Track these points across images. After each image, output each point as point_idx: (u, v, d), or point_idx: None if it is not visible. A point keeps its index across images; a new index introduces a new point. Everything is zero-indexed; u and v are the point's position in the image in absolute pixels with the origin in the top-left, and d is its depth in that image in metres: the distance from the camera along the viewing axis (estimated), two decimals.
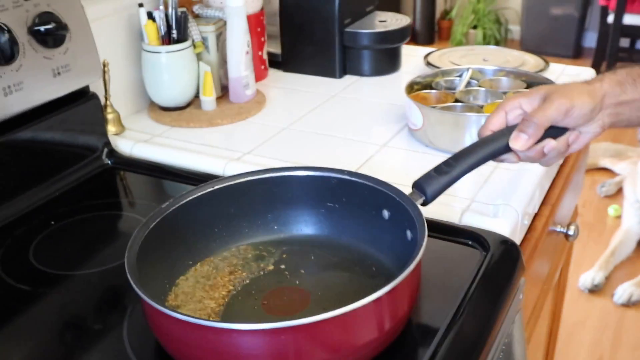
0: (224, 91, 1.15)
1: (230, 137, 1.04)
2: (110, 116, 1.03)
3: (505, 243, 0.75)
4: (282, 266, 0.72)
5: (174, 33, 1.05)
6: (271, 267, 0.71)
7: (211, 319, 0.63)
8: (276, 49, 1.30)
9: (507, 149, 0.71)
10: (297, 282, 0.69)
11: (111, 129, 1.03)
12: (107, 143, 0.97)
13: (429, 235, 0.62)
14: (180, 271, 0.70)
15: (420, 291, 0.65)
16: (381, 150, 0.98)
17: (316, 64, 1.26)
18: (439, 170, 0.70)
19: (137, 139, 1.02)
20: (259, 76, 1.23)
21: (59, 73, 0.86)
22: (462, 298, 0.67)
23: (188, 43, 1.06)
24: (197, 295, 0.67)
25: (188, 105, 1.11)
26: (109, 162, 0.97)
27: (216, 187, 0.73)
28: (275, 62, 1.30)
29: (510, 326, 0.74)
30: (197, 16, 1.13)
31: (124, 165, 0.97)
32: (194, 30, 1.09)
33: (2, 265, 0.75)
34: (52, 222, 0.83)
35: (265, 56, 1.25)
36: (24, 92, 0.82)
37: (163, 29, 1.05)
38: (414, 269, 0.59)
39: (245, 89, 1.12)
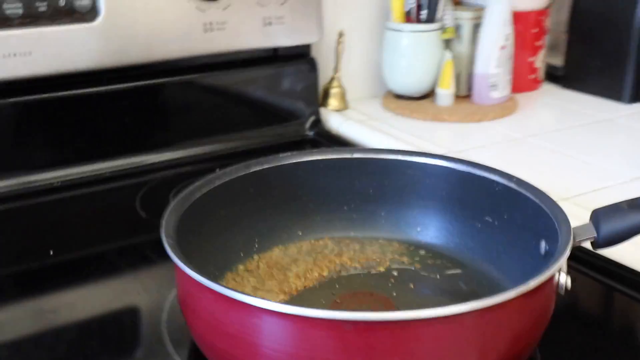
0: (470, 92, 0.99)
1: (450, 135, 0.89)
2: (334, 90, 0.96)
3: None
4: (395, 273, 0.55)
5: (423, 13, 0.94)
6: (382, 269, 0.56)
7: None
8: (559, 61, 1.09)
9: None
10: (395, 294, 0.52)
11: (333, 103, 0.96)
12: (315, 112, 0.91)
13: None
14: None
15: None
16: (626, 185, 0.73)
17: (602, 83, 1.01)
18: (635, 203, 0.46)
19: (349, 117, 0.93)
20: (525, 86, 1.03)
21: (269, 23, 0.82)
22: None
23: (436, 25, 0.94)
24: (263, 285, 0.54)
25: (424, 97, 0.98)
26: (310, 133, 0.90)
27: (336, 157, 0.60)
28: (555, 76, 1.09)
29: None
30: (458, 2, 1.00)
31: (325, 140, 0.89)
32: (448, 14, 0.96)
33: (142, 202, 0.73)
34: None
35: (539, 65, 1.05)
36: (226, 32, 0.80)
37: (410, 6, 0.94)
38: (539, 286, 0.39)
39: (491, 90, 0.94)
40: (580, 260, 0.55)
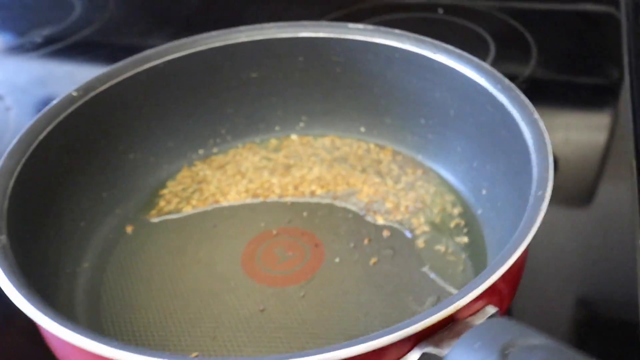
0: None
1: None
2: None
3: None
4: (384, 234, 0.40)
5: None
6: (379, 220, 0.40)
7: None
8: None
9: None
10: (338, 259, 0.38)
11: None
12: None
13: None
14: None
15: None
16: None
17: None
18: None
19: None
20: None
21: None
22: None
23: None
24: (259, 174, 0.45)
25: None
26: None
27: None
28: None
29: None
30: None
31: None
32: None
33: None
34: None
35: None
36: None
37: None
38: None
39: None
40: None
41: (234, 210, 0.43)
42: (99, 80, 0.41)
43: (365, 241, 0.40)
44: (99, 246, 0.40)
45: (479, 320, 0.27)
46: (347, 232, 0.40)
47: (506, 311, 0.31)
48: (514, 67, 0.57)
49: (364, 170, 0.45)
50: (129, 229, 0.42)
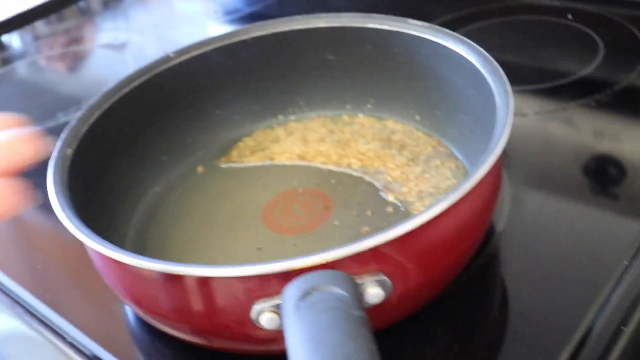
0: None
1: None
2: None
3: None
4: (388, 209, 0.44)
5: None
6: (390, 198, 0.45)
7: None
8: None
9: None
10: (338, 222, 0.43)
11: None
12: None
13: None
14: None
15: None
16: None
17: None
18: None
19: None
20: None
21: None
22: None
23: None
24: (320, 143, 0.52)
25: None
26: None
27: None
28: None
29: None
30: None
31: None
32: None
33: None
34: None
35: None
36: None
37: None
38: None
39: None
40: None
41: (280, 168, 0.50)
42: (194, 46, 0.51)
43: (368, 212, 0.44)
44: (171, 178, 0.50)
45: (362, 280, 0.31)
46: (358, 202, 0.45)
47: (417, 289, 0.34)
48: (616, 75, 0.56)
49: (404, 155, 0.49)
50: (200, 169, 0.51)
